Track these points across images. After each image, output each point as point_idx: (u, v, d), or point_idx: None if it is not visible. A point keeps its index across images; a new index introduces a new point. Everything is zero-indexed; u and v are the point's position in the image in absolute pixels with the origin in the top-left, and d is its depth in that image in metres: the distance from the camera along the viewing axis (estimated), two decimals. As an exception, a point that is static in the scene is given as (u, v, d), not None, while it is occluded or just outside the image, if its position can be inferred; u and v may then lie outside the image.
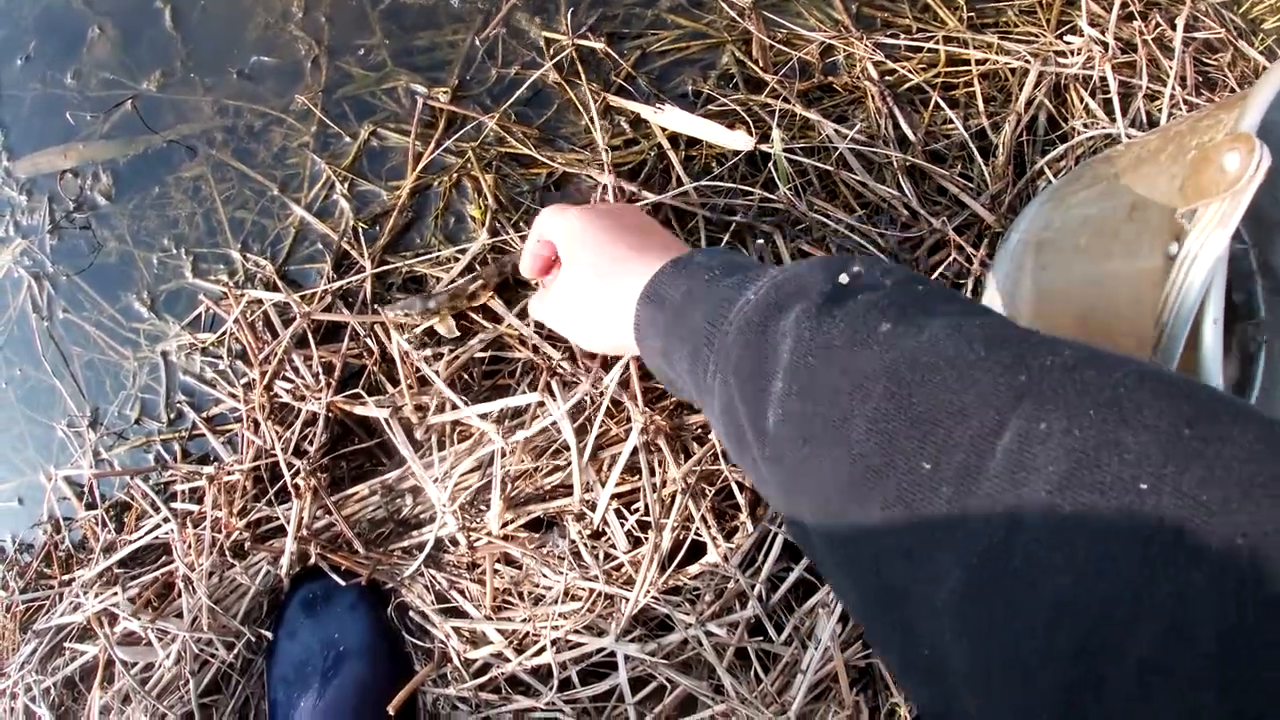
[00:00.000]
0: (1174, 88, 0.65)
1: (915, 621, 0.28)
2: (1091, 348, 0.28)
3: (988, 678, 0.25)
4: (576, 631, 0.54)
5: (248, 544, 0.59)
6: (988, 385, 0.27)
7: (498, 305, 0.58)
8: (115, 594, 0.61)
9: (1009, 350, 0.28)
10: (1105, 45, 0.65)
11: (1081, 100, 0.64)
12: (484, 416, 0.55)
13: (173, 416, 0.66)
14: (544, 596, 0.56)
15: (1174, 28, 0.67)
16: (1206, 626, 0.20)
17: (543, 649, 0.54)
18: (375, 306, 0.61)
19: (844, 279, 0.34)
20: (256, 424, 0.62)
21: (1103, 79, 0.64)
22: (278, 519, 0.60)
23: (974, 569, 0.25)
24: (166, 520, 0.63)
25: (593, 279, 0.46)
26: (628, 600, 0.53)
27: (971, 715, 0.26)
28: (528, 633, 0.55)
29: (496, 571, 0.56)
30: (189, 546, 0.60)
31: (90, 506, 0.67)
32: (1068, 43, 0.66)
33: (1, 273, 0.70)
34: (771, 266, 0.39)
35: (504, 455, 0.54)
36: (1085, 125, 0.64)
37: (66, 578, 0.66)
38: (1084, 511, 0.23)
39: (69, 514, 0.68)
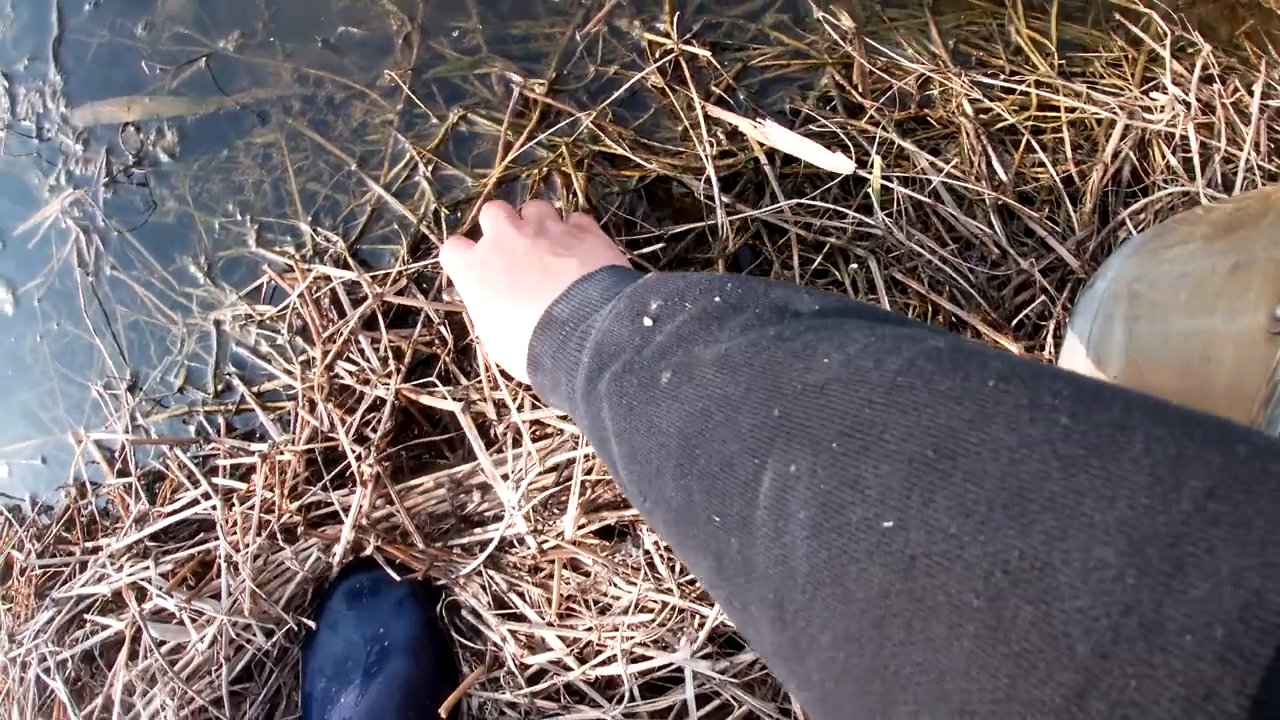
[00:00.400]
0: (1249, 153, 0.66)
1: (763, 657, 0.28)
2: (852, 354, 0.27)
3: (817, 717, 0.25)
4: (643, 645, 0.53)
5: (300, 528, 0.57)
6: (747, 427, 0.27)
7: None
8: (147, 568, 0.58)
9: (768, 379, 0.28)
10: (1188, 105, 0.66)
11: (1163, 157, 0.65)
12: (565, 418, 0.54)
13: (220, 388, 0.64)
14: (610, 606, 0.55)
15: (1251, 94, 0.69)
16: (967, 679, 0.19)
17: (610, 659, 0.52)
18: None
19: (646, 321, 0.35)
20: (313, 404, 0.59)
21: (1184, 138, 0.66)
22: (331, 504, 0.58)
23: (774, 620, 0.25)
24: (207, 496, 0.60)
25: (488, 333, 0.47)
26: (700, 615, 0.52)
27: None
28: (589, 641, 0.54)
29: (565, 578, 0.54)
30: (233, 525, 0.58)
31: (122, 474, 0.64)
32: (1153, 99, 0.67)
33: (48, 222, 0.67)
34: (603, 307, 0.39)
35: (588, 458, 0.53)
36: (1165, 181, 0.65)
37: (90, 545, 0.63)
38: (838, 557, 0.23)
39: (96, 479, 0.65)
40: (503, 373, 0.55)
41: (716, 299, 0.34)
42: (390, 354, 0.58)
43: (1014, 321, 0.59)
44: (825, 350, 0.27)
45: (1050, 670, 0.18)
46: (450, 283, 0.59)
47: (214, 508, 0.59)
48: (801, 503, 0.24)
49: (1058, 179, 0.62)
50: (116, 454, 0.65)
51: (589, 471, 0.53)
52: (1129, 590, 0.17)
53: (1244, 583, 0.16)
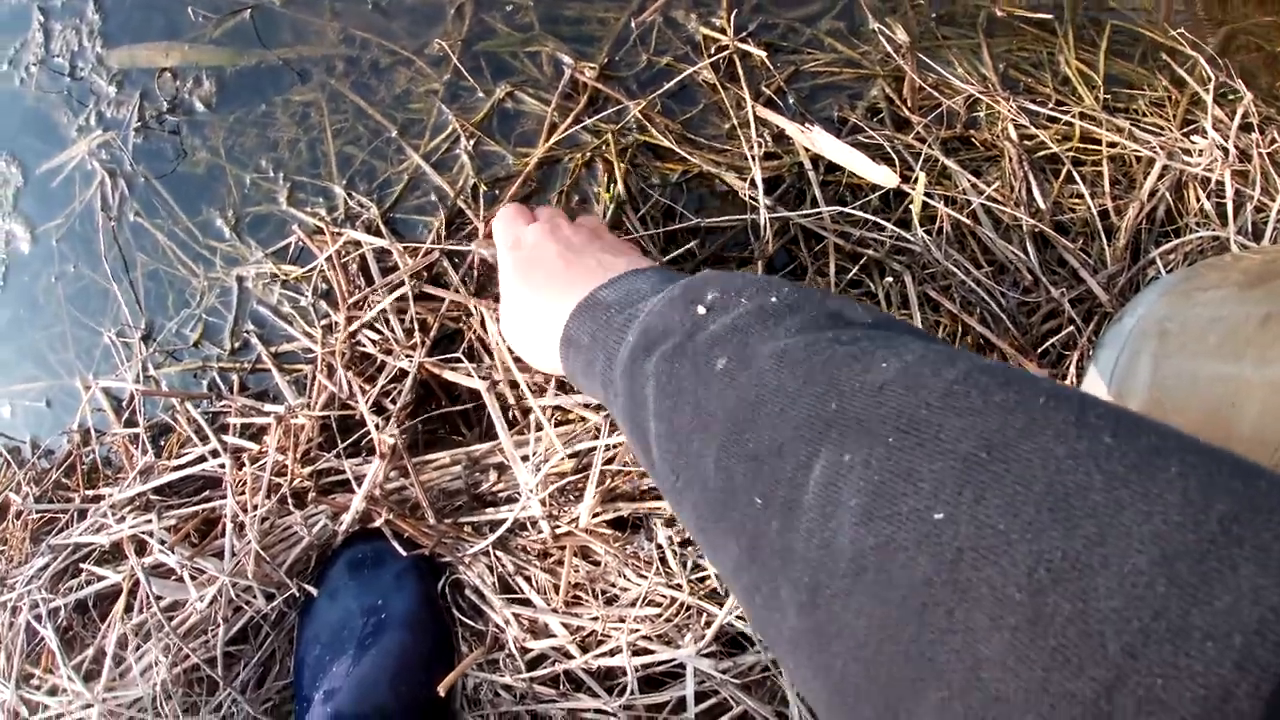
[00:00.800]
0: (1281, 204, 0.67)
1: (777, 649, 0.29)
2: (909, 361, 0.28)
3: (827, 709, 0.26)
4: (647, 638, 0.53)
5: (310, 494, 0.56)
6: (802, 417, 0.28)
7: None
8: (149, 522, 0.58)
9: (825, 375, 0.29)
10: (1226, 151, 0.67)
11: (1198, 200, 0.65)
12: (594, 408, 0.54)
13: (237, 346, 0.63)
14: (618, 597, 0.54)
15: None
16: (1004, 669, 0.20)
17: (614, 650, 0.52)
18: (474, 249, 0.58)
19: (700, 310, 0.35)
20: (331, 369, 0.59)
21: (1219, 183, 0.66)
22: (344, 472, 0.57)
23: (804, 605, 0.26)
24: (216, 454, 0.59)
25: (518, 314, 0.48)
26: (707, 613, 0.52)
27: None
28: (594, 631, 0.54)
29: (575, 566, 0.54)
30: (241, 486, 0.57)
31: (129, 424, 0.63)
32: (1192, 142, 0.67)
33: (73, 163, 0.66)
34: (653, 296, 0.39)
35: (610, 448, 0.53)
36: (1198, 224, 0.65)
37: (90, 494, 0.62)
38: (885, 545, 0.23)
39: (101, 427, 0.64)
40: (516, 359, 0.55)
41: (773, 299, 0.34)
42: (416, 326, 0.58)
43: (1040, 349, 0.59)
44: (883, 356, 0.28)
45: (1083, 665, 0.19)
46: (480, 263, 0.58)
47: (222, 466, 0.58)
48: (854, 490, 0.25)
49: (1094, 211, 0.62)
50: (124, 403, 0.64)
51: (609, 461, 0.53)
52: (1159, 597, 0.19)
53: (1262, 599, 0.18)
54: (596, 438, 0.53)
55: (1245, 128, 0.70)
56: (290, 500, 0.56)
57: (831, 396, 0.28)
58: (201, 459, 0.60)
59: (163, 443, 0.63)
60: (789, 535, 0.27)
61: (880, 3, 0.65)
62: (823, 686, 0.26)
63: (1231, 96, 0.71)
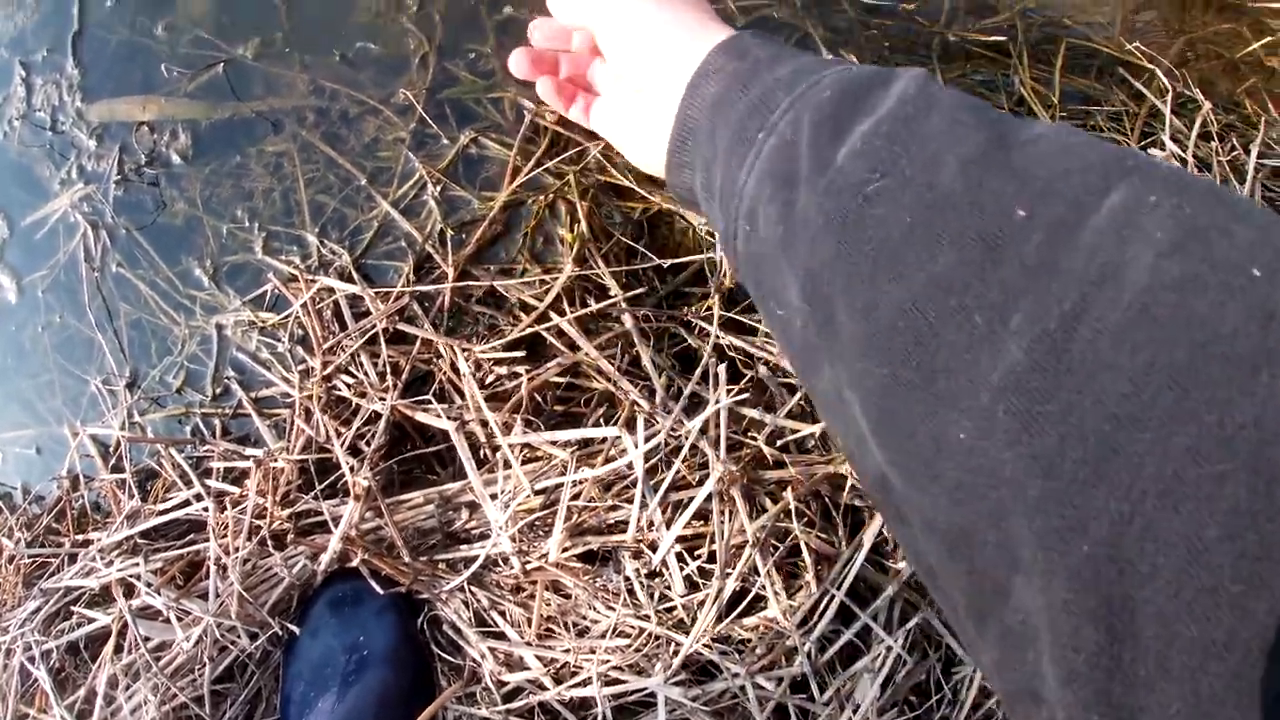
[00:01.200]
0: (1237, 219, 0.68)
1: (962, 398, 0.24)
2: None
3: (1043, 478, 0.21)
4: (618, 669, 0.54)
5: (290, 535, 0.58)
6: (1094, 158, 0.25)
7: (574, 332, 0.58)
8: (137, 565, 0.59)
9: (1114, 146, 0.26)
10: (1185, 162, 0.68)
11: (1153, 219, 0.67)
12: (561, 444, 0.55)
13: (218, 391, 0.65)
14: (588, 629, 0.56)
15: (1248, 153, 0.70)
16: None
17: (586, 681, 0.54)
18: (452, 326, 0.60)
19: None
20: (309, 413, 0.61)
21: (1174, 202, 0.67)
22: (321, 514, 0.59)
23: (1047, 337, 0.22)
24: (200, 498, 0.61)
25: (660, 39, 0.45)
26: (676, 643, 0.54)
27: (1009, 533, 0.22)
28: (566, 663, 0.55)
29: (546, 601, 0.56)
30: (224, 528, 0.59)
31: (116, 470, 0.65)
32: (1151, 155, 0.69)
33: (56, 215, 0.68)
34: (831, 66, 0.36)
35: (576, 484, 0.54)
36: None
37: (80, 538, 0.64)
38: (1192, 281, 0.21)
39: (90, 473, 0.66)
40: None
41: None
42: (388, 369, 0.60)
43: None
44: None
45: None
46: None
47: (206, 510, 0.60)
48: (1158, 224, 0.22)
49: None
50: (111, 449, 0.66)
51: (575, 496, 0.55)
52: None
53: None
54: (564, 473, 0.55)
55: (1205, 136, 0.71)
56: (270, 542, 0.58)
57: (1128, 156, 0.25)
58: (186, 503, 0.62)
59: (149, 487, 0.65)
60: (1058, 250, 0.23)
61: (832, 34, 0.67)
62: (1041, 446, 0.21)
63: (1191, 106, 0.73)
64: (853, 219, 0.28)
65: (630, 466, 0.53)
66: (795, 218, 0.31)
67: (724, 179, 0.37)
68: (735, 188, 0.35)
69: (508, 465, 0.56)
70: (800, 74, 0.35)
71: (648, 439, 0.53)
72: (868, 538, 0.55)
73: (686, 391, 0.56)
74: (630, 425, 0.55)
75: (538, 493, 0.55)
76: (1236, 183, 0.70)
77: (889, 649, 0.55)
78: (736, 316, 0.60)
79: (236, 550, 0.57)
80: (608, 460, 0.55)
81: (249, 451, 0.62)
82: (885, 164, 0.28)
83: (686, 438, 0.53)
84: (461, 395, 0.59)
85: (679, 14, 0.45)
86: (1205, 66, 0.78)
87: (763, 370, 0.58)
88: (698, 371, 0.57)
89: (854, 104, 0.31)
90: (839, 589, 0.54)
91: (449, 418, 0.57)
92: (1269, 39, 0.80)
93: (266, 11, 0.67)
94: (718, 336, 0.58)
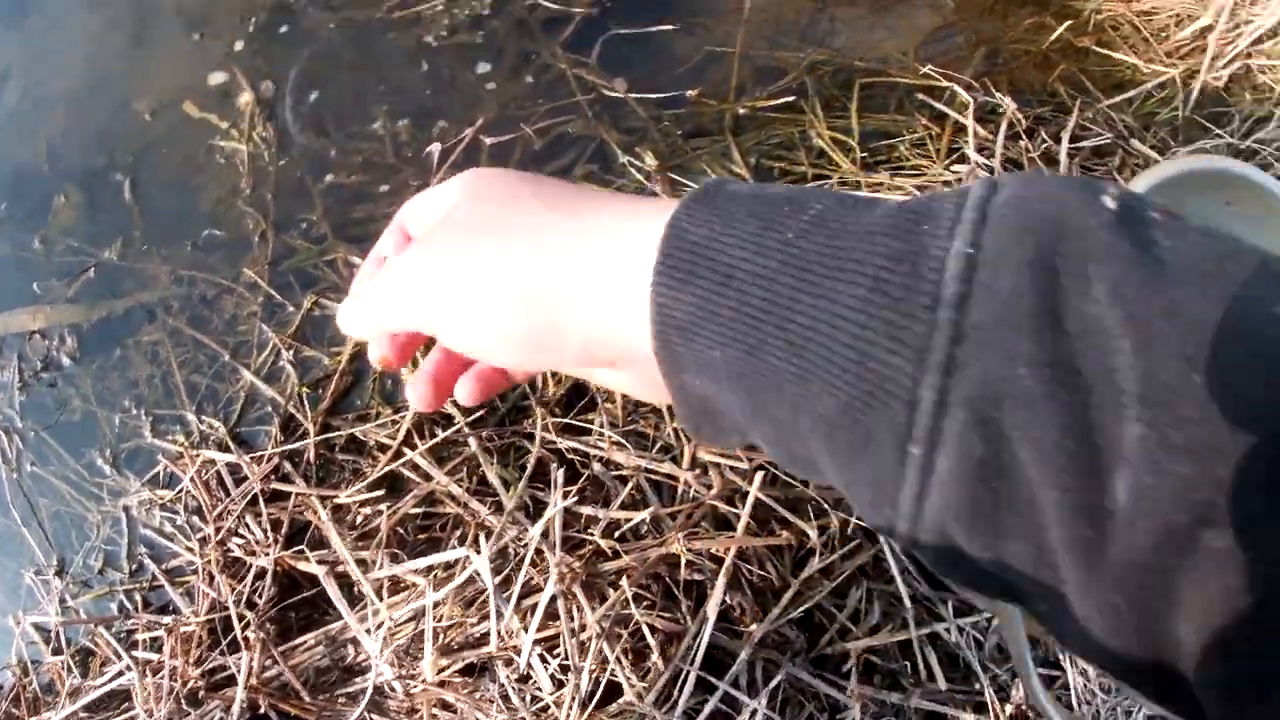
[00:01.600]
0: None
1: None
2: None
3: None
4: (506, 771, 0.59)
5: (202, 693, 0.64)
6: None
7: (426, 464, 0.63)
8: (80, 741, 0.65)
9: None
10: (990, 169, 0.72)
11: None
12: (424, 570, 0.61)
13: (134, 568, 0.71)
14: (476, 738, 0.61)
15: (1059, 141, 0.73)
16: None
17: (474, 791, 0.58)
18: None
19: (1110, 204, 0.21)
20: (211, 577, 0.67)
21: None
22: (230, 668, 0.65)
23: None
24: (129, 669, 0.67)
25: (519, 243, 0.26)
26: (551, 741, 0.58)
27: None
28: (463, 772, 0.60)
29: (435, 716, 0.61)
30: (149, 694, 0.65)
31: (57, 652, 0.71)
32: (955, 172, 0.72)
33: (-27, 428, 0.75)
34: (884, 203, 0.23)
35: (436, 606, 0.59)
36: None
37: (35, 720, 0.70)
38: None
39: (36, 657, 0.72)
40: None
41: None
42: (269, 526, 0.65)
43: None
44: None
45: None
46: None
47: (133, 681, 0.66)
48: None
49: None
50: (51, 634, 0.72)
51: (439, 619, 0.60)
52: None
53: None
54: (423, 596, 0.60)
55: (1014, 136, 0.74)
56: (184, 701, 0.64)
57: None
58: (120, 674, 0.68)
59: (89, 664, 0.71)
60: None
61: (627, 136, 0.72)
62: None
63: (1000, 111, 0.75)
64: None
65: (484, 581, 0.58)
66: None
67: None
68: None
69: (381, 596, 0.61)
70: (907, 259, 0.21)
71: (494, 552, 0.58)
72: (712, 609, 0.59)
73: (521, 499, 0.61)
74: (478, 541, 0.60)
75: (405, 622, 0.60)
76: (1050, 171, 0.73)
77: (755, 712, 0.59)
78: (571, 421, 0.65)
79: (159, 713, 0.63)
80: (467, 579, 0.60)
81: (165, 620, 0.68)
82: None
83: (529, 545, 0.58)
84: (328, 544, 0.64)
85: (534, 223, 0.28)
86: (1015, 67, 0.80)
87: (597, 467, 0.63)
88: (524, 480, 0.62)
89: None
90: (692, 664, 0.58)
91: (320, 562, 0.62)
92: (1070, 21, 0.82)
93: (122, 214, 0.74)
94: (552, 442, 0.63)
